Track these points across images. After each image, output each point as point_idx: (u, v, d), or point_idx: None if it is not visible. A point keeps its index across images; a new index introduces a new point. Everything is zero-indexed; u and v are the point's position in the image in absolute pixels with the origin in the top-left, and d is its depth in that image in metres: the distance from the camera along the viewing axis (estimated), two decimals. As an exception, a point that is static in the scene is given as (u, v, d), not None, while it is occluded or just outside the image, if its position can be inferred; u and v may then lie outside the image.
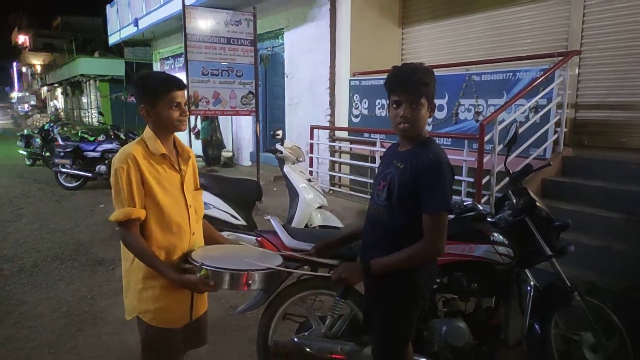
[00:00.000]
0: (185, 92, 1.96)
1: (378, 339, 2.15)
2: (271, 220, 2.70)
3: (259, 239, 2.63)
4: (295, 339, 2.43)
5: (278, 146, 4.69)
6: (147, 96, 1.86)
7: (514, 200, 2.61)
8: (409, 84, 1.85)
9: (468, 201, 2.89)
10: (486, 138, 4.47)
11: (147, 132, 1.93)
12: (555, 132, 4.89)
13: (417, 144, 1.92)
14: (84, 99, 32.25)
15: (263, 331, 2.57)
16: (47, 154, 11.01)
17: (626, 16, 5.17)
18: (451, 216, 2.68)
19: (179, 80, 1.90)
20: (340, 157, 7.46)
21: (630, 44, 5.18)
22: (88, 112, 30.12)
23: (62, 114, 32.49)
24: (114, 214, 1.81)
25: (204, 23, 7.09)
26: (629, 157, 4.61)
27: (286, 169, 4.69)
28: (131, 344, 3.19)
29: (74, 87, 33.13)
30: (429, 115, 1.90)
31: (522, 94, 4.61)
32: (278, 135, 4.79)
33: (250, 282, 1.83)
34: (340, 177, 7.35)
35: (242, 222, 4.75)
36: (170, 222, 1.88)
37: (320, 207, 4.67)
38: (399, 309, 2.02)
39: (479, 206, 2.78)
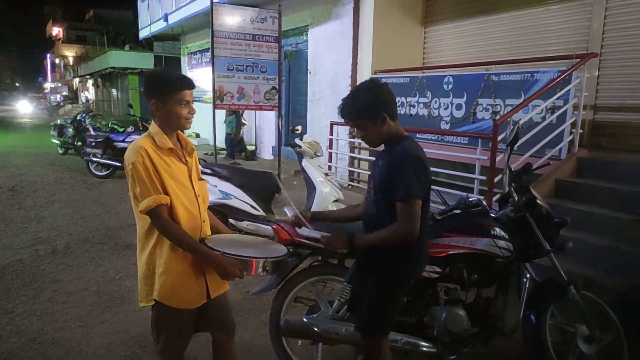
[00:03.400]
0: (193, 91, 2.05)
1: (362, 314, 2.35)
2: (286, 210, 2.88)
3: (274, 226, 2.81)
4: (305, 319, 2.61)
5: (297, 141, 4.89)
6: (158, 92, 1.96)
7: (516, 197, 2.74)
8: (344, 117, 2.23)
9: (474, 197, 3.02)
10: (500, 137, 4.56)
11: (154, 128, 2.02)
12: (571, 133, 4.94)
13: (392, 144, 2.17)
14: (114, 91, 33.05)
15: (275, 312, 2.78)
16: (79, 143, 11.44)
17: (648, 19, 5.17)
18: (457, 211, 2.85)
19: (190, 80, 2.02)
20: (359, 153, 7.61)
21: (651, 47, 5.18)
22: (118, 103, 30.89)
23: (92, 105, 33.43)
24: (144, 203, 1.88)
25: (230, 20, 7.33)
26: (643, 160, 4.65)
27: (304, 162, 4.88)
28: (155, 321, 3.44)
29: (104, 79, 33.99)
30: (384, 124, 2.12)
31: (537, 95, 4.70)
32: (297, 130, 4.99)
33: (267, 268, 2.03)
34: (359, 173, 7.50)
35: (261, 212, 4.97)
36: (183, 211, 2.00)
37: (336, 201, 4.85)
38: (383, 286, 2.23)
39: (484, 202, 2.92)
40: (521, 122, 4.68)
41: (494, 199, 4.49)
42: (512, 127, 2.87)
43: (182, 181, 2.04)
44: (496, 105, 5.60)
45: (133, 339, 3.26)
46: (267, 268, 2.03)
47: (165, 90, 1.96)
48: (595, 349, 2.61)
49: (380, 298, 2.25)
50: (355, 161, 7.74)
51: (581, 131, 5.05)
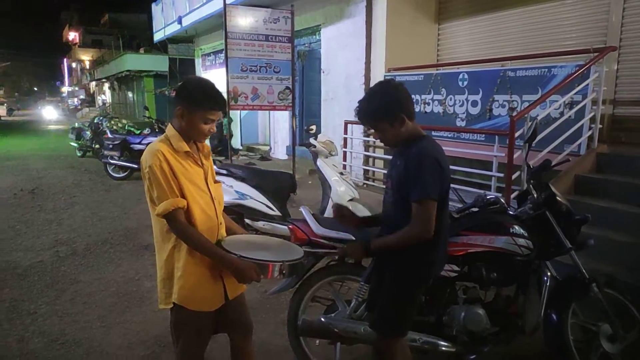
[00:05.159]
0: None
1: (378, 314, 2.33)
2: (302, 210, 2.89)
3: (290, 226, 2.82)
4: (323, 319, 2.61)
5: (312, 140, 4.89)
6: (189, 102, 1.96)
7: (535, 195, 2.70)
8: (361, 120, 2.23)
9: (491, 195, 2.99)
10: (517, 134, 4.50)
11: (171, 131, 2.01)
12: (590, 128, 4.86)
13: (409, 143, 2.13)
14: (130, 94, 33.45)
15: (293, 311, 2.79)
16: (97, 146, 11.60)
17: (668, 11, 5.06)
18: (475, 209, 2.82)
19: (223, 101, 2.03)
20: (374, 152, 7.59)
21: (671, 39, 5.07)
22: (134, 106, 31.25)
23: (109, 108, 33.90)
24: (161, 206, 1.88)
25: (243, 21, 7.34)
26: (665, 155, 4.55)
27: (319, 162, 4.88)
28: (174, 321, 3.47)
29: (120, 82, 34.41)
30: (402, 125, 2.09)
31: (554, 90, 4.62)
32: (312, 130, 4.98)
33: (284, 271, 2.02)
34: (374, 172, 7.48)
35: (276, 212, 4.99)
36: (200, 214, 2.01)
37: (351, 200, 4.84)
38: (400, 285, 2.21)
39: (502, 199, 2.89)
40: (539, 118, 4.64)
41: (512, 196, 4.43)
42: (530, 123, 2.82)
43: (198, 184, 2.05)
44: (513, 101, 5.53)
45: (152, 339, 3.29)
46: (284, 271, 2.02)
47: (196, 103, 1.97)
48: (619, 348, 2.56)
49: (397, 298, 2.23)
50: (370, 160, 7.72)
51: (600, 126, 4.95)
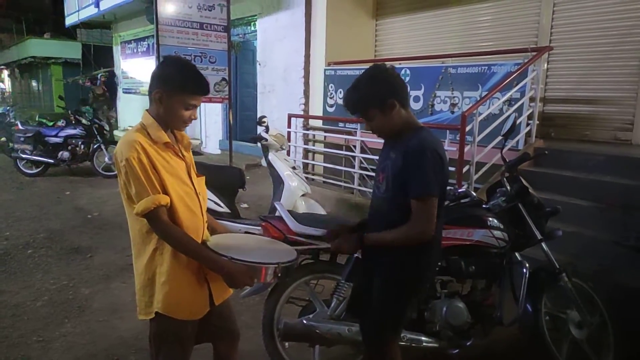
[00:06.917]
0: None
1: (369, 320, 2.22)
2: (277, 206, 2.73)
3: (263, 224, 2.64)
4: (305, 321, 2.48)
5: (263, 134, 4.69)
6: (169, 85, 1.77)
7: (508, 187, 2.75)
8: (349, 109, 2.06)
9: (461, 188, 3.01)
10: (468, 129, 4.62)
11: (148, 119, 1.81)
12: (528, 124, 5.11)
13: (406, 135, 2.00)
14: (34, 83, 30.68)
15: (269, 315, 2.62)
16: (3, 138, 10.46)
17: (594, 14, 5.43)
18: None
19: (208, 86, 1.84)
20: (314, 146, 7.50)
21: (596, 42, 5.45)
22: (39, 96, 28.70)
23: (9, 98, 30.90)
24: (141, 204, 1.67)
25: (175, 6, 6.93)
26: (594, 149, 4.89)
27: (271, 156, 4.70)
28: (123, 331, 3.17)
29: (23, 69, 31.42)
30: (392, 111, 1.96)
31: (500, 87, 4.78)
32: (264, 122, 4.78)
33: (280, 274, 1.86)
34: (314, 166, 7.39)
35: (225, 209, 4.72)
36: (185, 211, 1.81)
37: (304, 195, 4.72)
38: (393, 290, 2.08)
39: (473, 192, 2.92)
40: (485, 114, 4.82)
41: (463, 187, 4.54)
42: (508, 118, 2.88)
43: (182, 178, 1.84)
44: (454, 97, 5.68)
45: (102, 352, 2.96)
46: (280, 274, 1.86)
47: (177, 87, 1.76)
48: (586, 333, 2.68)
49: (391, 307, 2.10)
50: (310, 154, 7.62)
51: (537, 122, 5.22)
